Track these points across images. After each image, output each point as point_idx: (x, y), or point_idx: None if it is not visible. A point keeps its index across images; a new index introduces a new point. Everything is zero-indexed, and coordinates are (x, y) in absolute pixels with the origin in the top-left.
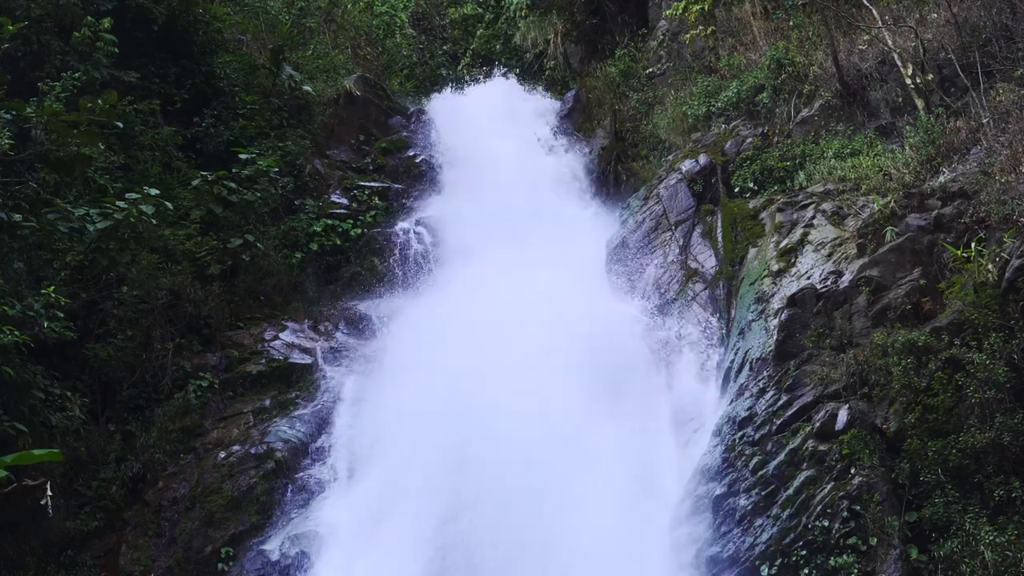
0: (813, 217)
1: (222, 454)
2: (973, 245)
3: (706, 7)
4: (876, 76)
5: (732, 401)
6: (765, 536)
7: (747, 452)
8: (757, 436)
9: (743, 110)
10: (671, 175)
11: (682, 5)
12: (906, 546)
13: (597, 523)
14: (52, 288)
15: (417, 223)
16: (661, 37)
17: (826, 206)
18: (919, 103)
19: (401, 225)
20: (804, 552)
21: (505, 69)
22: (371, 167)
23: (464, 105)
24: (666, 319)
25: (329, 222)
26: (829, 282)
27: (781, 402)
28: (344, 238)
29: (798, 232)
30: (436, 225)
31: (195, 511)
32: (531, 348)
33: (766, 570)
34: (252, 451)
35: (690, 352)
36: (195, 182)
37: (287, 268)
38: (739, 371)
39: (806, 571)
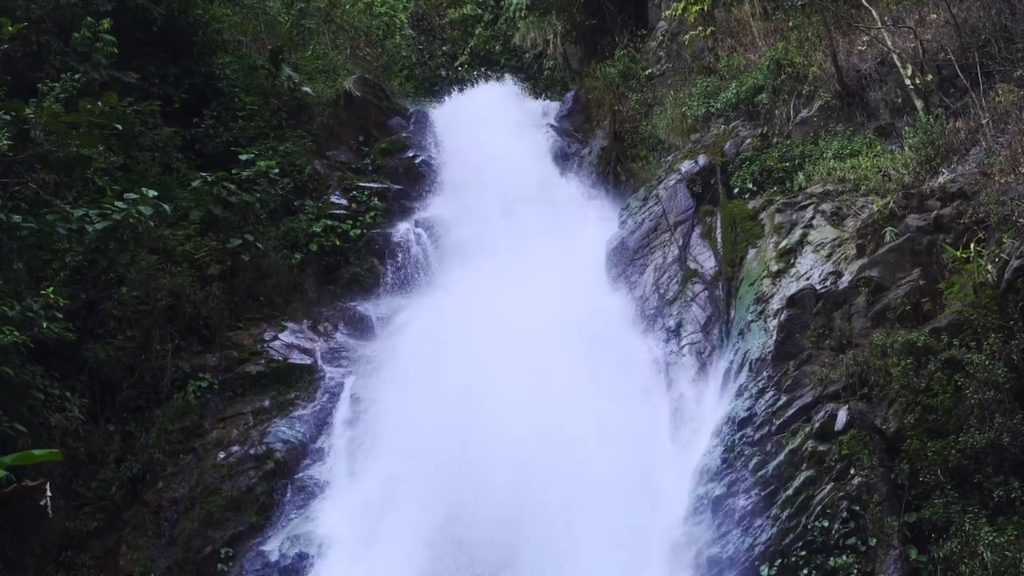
0: (812, 218)
1: (222, 454)
2: (972, 246)
3: (705, 8)
4: (875, 77)
5: (731, 401)
6: (764, 536)
7: (746, 452)
8: (757, 436)
9: (742, 111)
10: (670, 176)
11: (681, 6)
12: (905, 546)
13: (597, 523)
14: (51, 289)
15: (416, 224)
16: (660, 38)
17: (825, 207)
18: (918, 104)
19: (400, 226)
20: (803, 552)
21: (504, 71)
22: (370, 168)
23: (464, 106)
24: (665, 320)
25: (329, 223)
26: (828, 283)
27: (780, 402)
28: (343, 239)
29: (797, 233)
30: (435, 226)
31: (194, 511)
32: (530, 349)
33: (766, 570)
34: (252, 451)
35: (689, 353)
36: (195, 183)
37: (287, 269)
38: (738, 372)
39: (805, 571)
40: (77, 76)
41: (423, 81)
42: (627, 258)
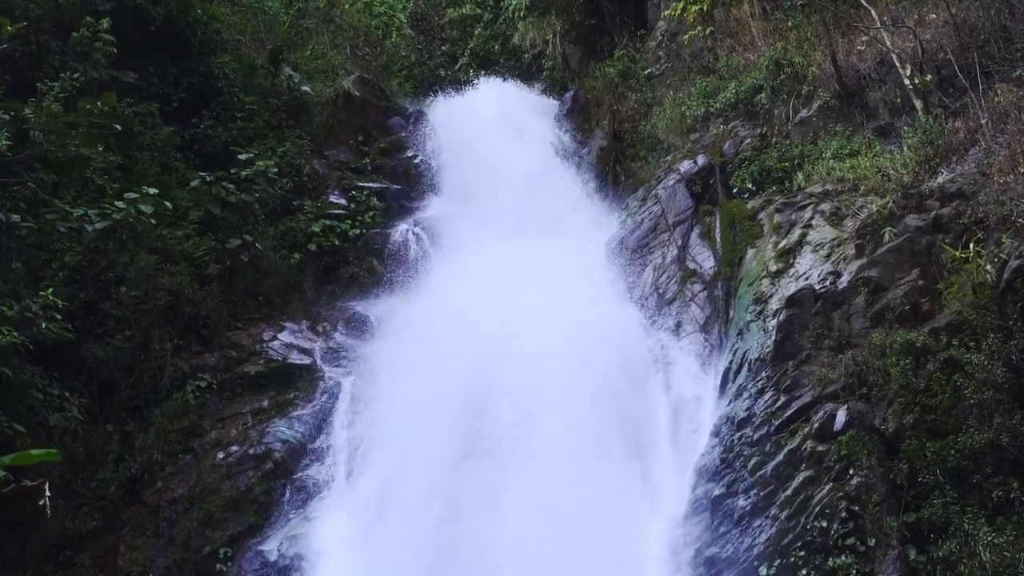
0: (812, 218)
1: (220, 455)
2: (971, 246)
3: (705, 8)
4: (875, 77)
5: (730, 402)
6: (763, 537)
7: (745, 453)
8: (755, 437)
9: (741, 111)
10: (669, 176)
11: (681, 6)
12: (904, 547)
13: (595, 523)
14: (50, 290)
15: (415, 224)
16: (660, 38)
17: (824, 207)
18: (918, 104)
19: (400, 226)
20: (802, 553)
21: (504, 71)
22: (369, 167)
23: (463, 105)
24: (664, 320)
25: (327, 223)
26: (828, 283)
27: (779, 403)
28: (343, 239)
29: (796, 233)
30: (434, 226)
31: (193, 511)
32: (529, 348)
33: (764, 570)
34: (251, 452)
35: (688, 353)
36: (194, 183)
37: (285, 269)
38: (737, 372)
39: (804, 572)
40: (76, 76)
41: (422, 81)
42: (626, 258)
